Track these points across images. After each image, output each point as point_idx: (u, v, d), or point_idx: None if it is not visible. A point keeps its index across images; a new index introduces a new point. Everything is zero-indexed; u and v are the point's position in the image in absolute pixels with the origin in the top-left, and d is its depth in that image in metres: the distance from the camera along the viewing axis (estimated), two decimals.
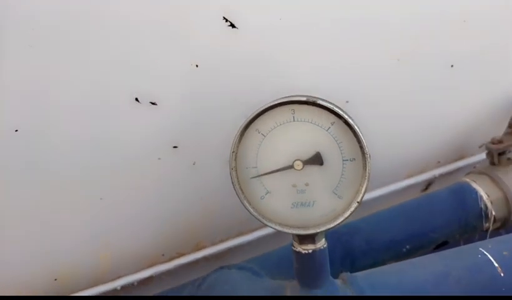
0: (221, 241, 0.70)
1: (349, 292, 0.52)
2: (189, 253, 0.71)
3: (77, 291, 0.65)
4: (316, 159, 0.48)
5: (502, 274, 0.53)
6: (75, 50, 0.52)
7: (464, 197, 0.73)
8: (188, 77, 0.58)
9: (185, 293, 0.64)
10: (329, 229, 0.49)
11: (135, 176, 0.61)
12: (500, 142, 0.76)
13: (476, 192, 0.73)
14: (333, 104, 0.47)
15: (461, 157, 0.85)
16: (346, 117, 0.46)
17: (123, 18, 0.53)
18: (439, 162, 0.83)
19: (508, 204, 0.73)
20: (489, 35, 0.77)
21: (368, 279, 0.55)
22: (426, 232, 0.72)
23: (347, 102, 0.67)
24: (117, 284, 0.68)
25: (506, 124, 0.80)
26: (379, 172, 0.74)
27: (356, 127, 0.46)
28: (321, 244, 0.51)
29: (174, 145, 0.61)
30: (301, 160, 0.48)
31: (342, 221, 0.49)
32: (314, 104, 0.47)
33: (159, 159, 0.61)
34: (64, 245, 0.62)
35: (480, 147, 0.80)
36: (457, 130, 0.82)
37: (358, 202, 0.48)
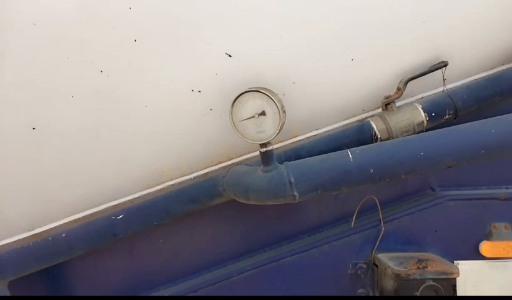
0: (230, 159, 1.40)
1: (283, 168, 1.22)
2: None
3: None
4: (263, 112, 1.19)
5: (351, 160, 1.20)
6: None
7: (363, 128, 1.38)
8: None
9: (214, 181, 1.35)
10: (273, 137, 1.18)
11: None
12: (388, 97, 1.37)
13: (370, 125, 1.37)
14: (266, 89, 1.16)
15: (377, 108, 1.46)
16: (270, 95, 1.15)
17: None
18: (363, 110, 1.46)
19: (388, 131, 1.36)
20: None
21: (295, 163, 1.25)
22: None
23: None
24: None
25: None
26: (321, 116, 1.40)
27: (274, 99, 1.15)
28: (271, 147, 1.22)
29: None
30: (257, 113, 1.19)
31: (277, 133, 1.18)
32: (258, 91, 1.16)
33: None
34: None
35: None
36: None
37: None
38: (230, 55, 1.20)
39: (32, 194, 1.27)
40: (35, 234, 1.32)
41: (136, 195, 1.34)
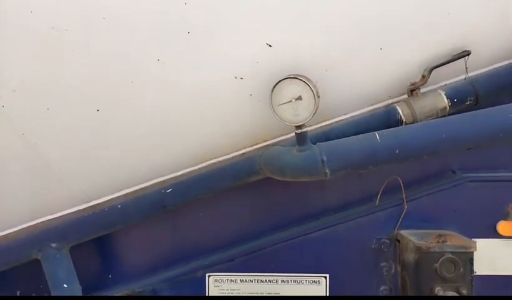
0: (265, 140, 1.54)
1: (316, 148, 1.35)
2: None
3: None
4: (299, 97, 1.31)
5: (379, 141, 1.32)
6: None
7: (390, 113, 1.49)
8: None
9: (252, 160, 1.49)
10: (308, 120, 1.31)
11: None
12: (413, 84, 1.48)
13: (396, 109, 1.48)
14: (303, 76, 1.28)
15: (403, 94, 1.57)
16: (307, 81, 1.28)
17: None
18: (390, 96, 1.57)
19: (413, 116, 1.47)
20: None
21: (327, 144, 1.37)
22: None
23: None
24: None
25: None
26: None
27: (310, 85, 1.27)
28: (305, 129, 1.34)
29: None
30: (294, 98, 1.31)
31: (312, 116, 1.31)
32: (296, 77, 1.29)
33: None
34: None
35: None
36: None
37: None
38: (270, 45, 1.32)
39: (90, 169, 1.44)
40: (93, 205, 1.49)
41: (181, 172, 1.49)
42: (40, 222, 1.50)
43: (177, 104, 1.37)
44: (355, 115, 1.51)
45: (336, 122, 1.50)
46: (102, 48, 1.25)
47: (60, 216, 1.49)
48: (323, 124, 1.49)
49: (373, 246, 1.59)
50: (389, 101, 1.53)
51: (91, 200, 1.49)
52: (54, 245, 1.45)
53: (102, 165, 1.43)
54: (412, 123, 1.46)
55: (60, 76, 1.28)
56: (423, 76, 1.47)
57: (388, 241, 1.59)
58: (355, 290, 1.60)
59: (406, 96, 1.51)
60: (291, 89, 1.30)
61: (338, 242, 1.62)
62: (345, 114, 1.51)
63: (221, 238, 1.64)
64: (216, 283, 1.62)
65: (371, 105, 1.54)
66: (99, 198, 1.49)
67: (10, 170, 1.41)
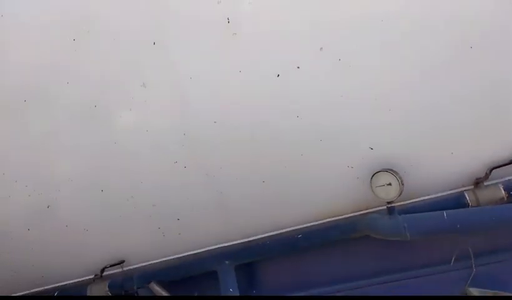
0: (366, 208, 2.26)
1: (400, 218, 2.01)
2: None
3: None
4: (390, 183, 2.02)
5: (445, 217, 1.93)
6: None
7: (459, 198, 2.08)
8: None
9: (357, 222, 2.21)
10: (395, 198, 2.00)
11: None
12: (478, 179, 2.06)
13: (464, 195, 2.07)
14: (392, 170, 2.00)
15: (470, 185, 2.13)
16: (395, 174, 1.98)
17: None
18: (463, 185, 2.14)
19: (477, 201, 2.04)
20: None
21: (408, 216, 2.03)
22: None
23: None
24: None
25: None
26: None
27: (397, 177, 1.98)
28: (393, 204, 2.03)
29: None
30: (386, 183, 2.02)
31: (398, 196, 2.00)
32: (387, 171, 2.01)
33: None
34: None
35: None
36: None
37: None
38: (372, 148, 2.08)
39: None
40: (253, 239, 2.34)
41: (309, 224, 2.27)
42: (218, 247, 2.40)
43: None
44: (432, 197, 2.14)
45: (418, 200, 2.15)
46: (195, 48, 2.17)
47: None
48: (408, 201, 2.16)
49: None
50: (460, 189, 2.13)
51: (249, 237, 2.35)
52: (227, 262, 2.33)
53: None
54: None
55: None
56: (486, 173, 2.05)
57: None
58: None
59: (472, 187, 2.10)
60: (384, 177, 2.02)
61: (419, 292, 2.19)
62: (425, 196, 2.15)
63: (333, 275, 2.34)
64: None
65: (445, 191, 2.15)
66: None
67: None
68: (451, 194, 2.12)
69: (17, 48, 2.12)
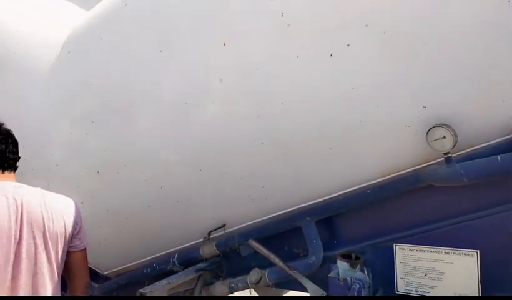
0: (426, 162, 2.50)
1: (458, 166, 2.25)
2: None
3: None
4: (444, 137, 2.26)
5: (499, 160, 2.14)
6: None
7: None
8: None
9: (420, 173, 2.47)
10: (450, 149, 2.25)
11: None
12: None
13: None
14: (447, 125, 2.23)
15: None
16: (449, 129, 2.22)
17: None
18: None
19: None
20: None
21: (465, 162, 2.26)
22: None
23: None
24: None
25: None
26: None
27: (450, 130, 2.21)
28: (450, 154, 2.28)
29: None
30: (441, 137, 2.27)
31: (452, 147, 2.24)
32: (440, 126, 2.25)
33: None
34: None
35: None
36: None
37: None
38: (425, 107, 2.32)
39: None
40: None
41: (378, 180, 2.58)
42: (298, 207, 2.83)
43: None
44: (487, 145, 2.31)
45: (474, 149, 2.35)
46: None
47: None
48: (465, 150, 2.36)
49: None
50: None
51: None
52: (308, 218, 2.76)
53: None
54: None
55: None
56: None
57: None
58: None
59: None
60: (439, 132, 2.26)
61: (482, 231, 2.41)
62: (480, 144, 2.34)
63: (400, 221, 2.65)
64: (400, 250, 2.62)
65: (499, 137, 2.31)
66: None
67: None
68: (504, 140, 2.30)
69: None
